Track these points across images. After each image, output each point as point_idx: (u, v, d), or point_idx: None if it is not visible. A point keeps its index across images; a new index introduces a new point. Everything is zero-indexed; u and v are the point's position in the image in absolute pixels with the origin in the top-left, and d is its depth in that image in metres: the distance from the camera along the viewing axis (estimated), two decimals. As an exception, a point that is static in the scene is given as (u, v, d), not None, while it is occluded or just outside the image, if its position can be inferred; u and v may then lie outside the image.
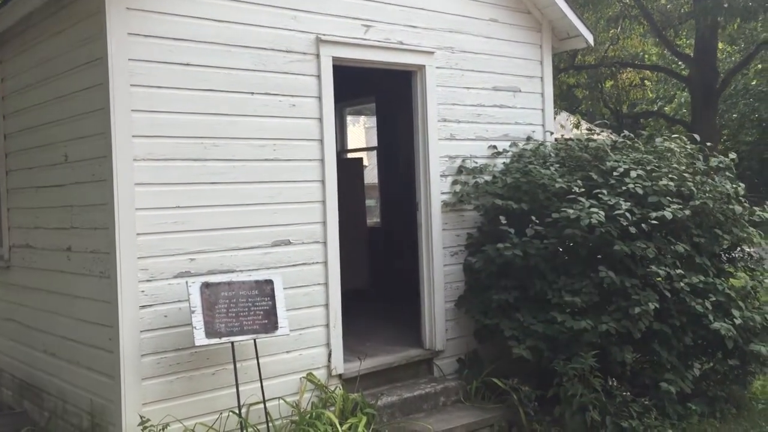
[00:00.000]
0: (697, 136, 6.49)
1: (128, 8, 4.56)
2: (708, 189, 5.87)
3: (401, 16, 6.02)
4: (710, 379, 5.99)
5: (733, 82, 22.18)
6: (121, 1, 4.54)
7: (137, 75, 4.61)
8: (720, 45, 21.72)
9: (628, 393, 5.61)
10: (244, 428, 4.76)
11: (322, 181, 5.50)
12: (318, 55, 5.47)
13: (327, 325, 5.51)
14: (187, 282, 4.65)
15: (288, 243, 5.31)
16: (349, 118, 12.25)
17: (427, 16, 6.20)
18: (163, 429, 4.53)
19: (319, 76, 5.48)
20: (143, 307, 4.64)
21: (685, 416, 5.54)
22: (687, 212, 5.52)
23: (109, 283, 4.64)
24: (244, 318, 4.77)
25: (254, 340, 4.84)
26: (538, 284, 5.68)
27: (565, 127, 20.22)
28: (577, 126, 19.78)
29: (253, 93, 5.13)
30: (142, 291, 4.64)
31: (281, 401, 5.13)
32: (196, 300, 4.59)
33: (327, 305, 5.52)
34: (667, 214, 5.38)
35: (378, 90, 9.30)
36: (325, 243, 5.51)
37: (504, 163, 6.58)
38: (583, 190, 5.68)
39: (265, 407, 4.92)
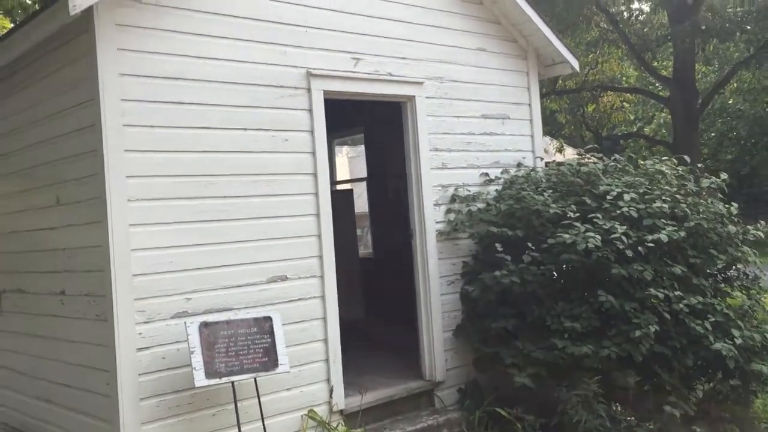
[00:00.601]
0: (687, 158, 6.55)
1: (119, 48, 4.55)
2: (701, 210, 5.90)
3: (390, 48, 6.05)
4: (712, 400, 5.96)
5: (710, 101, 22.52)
6: (112, 41, 4.53)
7: (130, 115, 4.58)
8: (695, 65, 22.07)
9: (633, 417, 5.57)
10: (247, 470, 4.67)
11: (317, 215, 5.48)
12: (309, 90, 5.48)
13: (327, 360, 5.45)
14: (185, 322, 4.58)
15: (285, 278, 5.27)
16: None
17: (416, 47, 6.24)
18: (164, 474, 4.44)
19: (310, 110, 5.48)
20: (141, 349, 4.56)
21: (690, 439, 5.50)
22: (682, 234, 5.54)
23: (106, 326, 4.56)
24: (244, 356, 4.70)
25: (255, 378, 4.76)
26: (536, 311, 5.65)
27: (548, 152, 20.36)
28: (560, 150, 19.92)
29: (246, 129, 5.12)
30: (140, 333, 4.56)
31: (283, 440, 5.05)
32: (194, 340, 4.52)
33: (326, 340, 5.46)
34: (663, 236, 5.39)
35: (367, 120, 9.34)
36: (321, 277, 5.47)
37: (496, 190, 6.60)
38: (577, 214, 5.69)
39: (268, 447, 4.84)
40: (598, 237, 5.38)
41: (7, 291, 5.99)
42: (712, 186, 6.24)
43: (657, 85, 23.16)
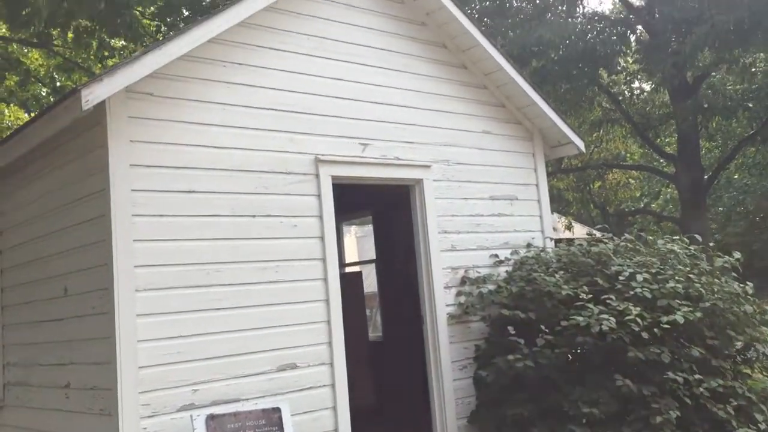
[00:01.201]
0: (698, 237, 6.49)
1: (131, 141, 4.62)
2: (716, 289, 5.81)
3: (397, 133, 6.13)
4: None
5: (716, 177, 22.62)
6: (124, 133, 4.60)
7: (139, 205, 4.61)
8: (699, 142, 22.31)
9: None
10: None
11: (327, 301, 5.42)
12: (317, 175, 5.52)
13: (337, 452, 5.28)
14: (191, 415, 4.46)
15: (294, 367, 5.16)
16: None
17: (423, 132, 6.32)
18: None
19: (319, 196, 5.51)
20: (146, 444, 4.43)
21: None
22: (698, 314, 5.44)
23: (110, 420, 4.44)
24: (252, 450, 4.55)
25: (263, 473, 4.60)
26: (552, 396, 5.50)
27: (557, 229, 20.39)
28: (568, 227, 19.95)
29: (255, 216, 5.13)
30: (144, 428, 4.44)
31: None
32: (201, 434, 4.39)
33: (336, 430, 5.30)
34: (679, 318, 5.29)
35: (374, 202, 9.36)
36: (331, 364, 5.36)
37: (507, 271, 6.53)
38: (590, 296, 5.61)
39: None
40: (612, 319, 5.28)
41: (12, 384, 5.88)
42: (726, 265, 6.16)
43: (662, 161, 23.36)
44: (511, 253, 6.70)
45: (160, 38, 12.42)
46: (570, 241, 6.62)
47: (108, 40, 12.96)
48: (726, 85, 18.79)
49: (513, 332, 5.69)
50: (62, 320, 5.12)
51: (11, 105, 16.66)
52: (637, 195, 27.39)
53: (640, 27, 17.61)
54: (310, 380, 5.23)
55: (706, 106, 16.55)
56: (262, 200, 5.18)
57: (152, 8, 13.26)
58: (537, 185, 7.22)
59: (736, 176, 26.08)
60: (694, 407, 5.33)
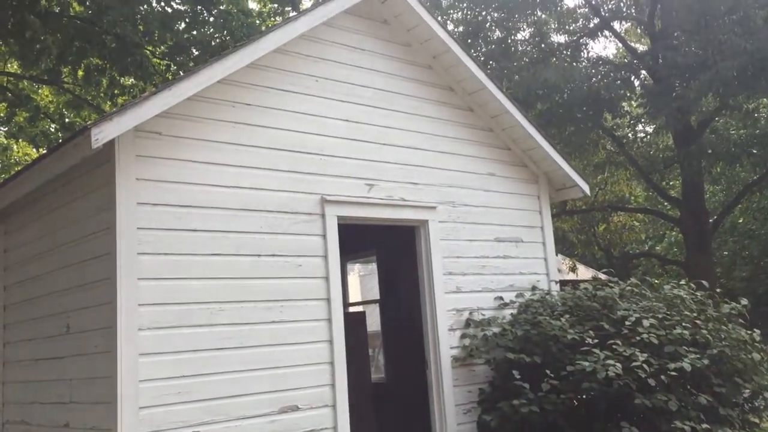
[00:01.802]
0: (705, 283, 6.45)
1: (138, 179, 4.64)
2: (723, 336, 5.76)
3: (403, 174, 6.15)
4: None
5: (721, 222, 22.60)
6: (132, 172, 4.62)
7: (145, 243, 4.61)
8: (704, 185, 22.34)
9: None
10: None
11: (330, 341, 5.38)
12: (323, 215, 5.52)
13: (338, 498, 5.18)
14: (191, 457, 4.39)
15: (296, 409, 5.10)
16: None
17: (428, 173, 6.34)
18: None
19: (324, 236, 5.50)
20: (144, 487, 4.36)
21: None
22: (705, 361, 5.38)
23: (109, 462, 4.38)
24: (252, 494, 4.47)
25: None
26: (558, 443, 5.41)
27: (561, 271, 20.28)
28: (573, 269, 19.84)
29: (260, 255, 5.12)
30: (144, 470, 4.37)
31: None
32: (201, 477, 4.31)
33: (338, 475, 5.22)
34: (686, 365, 5.23)
35: (379, 242, 9.35)
36: (334, 407, 5.30)
37: (512, 314, 6.49)
38: (596, 340, 5.56)
39: None
40: (619, 365, 5.22)
41: (11, 422, 5.81)
42: (733, 311, 6.11)
43: (666, 204, 23.35)
44: (516, 296, 6.66)
45: (170, 77, 12.57)
46: (575, 283, 6.58)
47: (118, 78, 13.11)
48: (729, 129, 18.87)
49: (518, 376, 5.63)
50: (63, 358, 5.08)
51: (20, 140, 16.79)
52: (642, 238, 27.32)
53: (644, 72, 17.76)
54: (311, 423, 5.16)
55: (710, 152, 16.60)
56: (267, 240, 5.17)
57: (162, 47, 13.44)
58: (542, 228, 7.22)
59: (740, 220, 26.04)
60: (702, 457, 5.24)
